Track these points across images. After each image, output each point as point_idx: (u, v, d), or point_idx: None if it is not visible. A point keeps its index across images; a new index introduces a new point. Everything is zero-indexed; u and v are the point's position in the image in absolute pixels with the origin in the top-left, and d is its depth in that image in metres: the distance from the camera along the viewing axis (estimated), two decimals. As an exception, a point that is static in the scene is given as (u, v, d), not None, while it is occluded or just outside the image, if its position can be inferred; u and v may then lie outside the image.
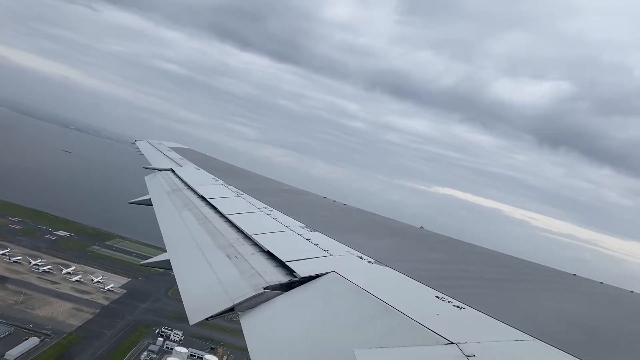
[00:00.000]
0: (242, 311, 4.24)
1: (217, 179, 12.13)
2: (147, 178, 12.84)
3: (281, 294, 4.49)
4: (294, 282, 4.67)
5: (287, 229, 6.91)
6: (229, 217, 7.63)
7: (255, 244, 6.10)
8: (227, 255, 5.80)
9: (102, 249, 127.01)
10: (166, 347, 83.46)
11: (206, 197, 9.27)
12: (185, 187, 10.92)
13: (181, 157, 16.61)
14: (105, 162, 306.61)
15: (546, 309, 4.67)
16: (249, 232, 6.61)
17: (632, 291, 6.03)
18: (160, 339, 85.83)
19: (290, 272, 4.92)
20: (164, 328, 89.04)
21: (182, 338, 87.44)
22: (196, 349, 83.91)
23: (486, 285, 5.44)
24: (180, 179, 12.08)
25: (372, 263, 5.34)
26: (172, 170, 13.36)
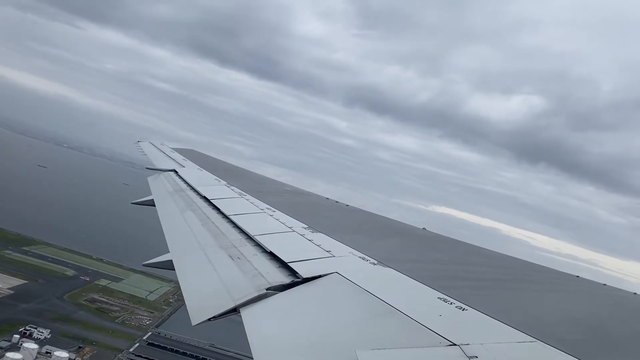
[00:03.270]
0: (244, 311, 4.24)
1: (220, 179, 12.14)
2: (150, 179, 12.86)
3: None
4: (297, 283, 4.67)
5: (290, 230, 6.91)
6: (232, 217, 7.63)
7: (258, 245, 6.10)
8: (230, 256, 5.81)
9: (15, 254, 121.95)
10: (20, 344, 79.68)
11: (209, 198, 9.28)
12: (188, 188, 10.93)
13: (184, 158, 16.64)
14: (80, 176, 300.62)
15: (549, 310, 4.65)
16: (251, 232, 6.61)
17: (635, 293, 6.01)
18: (17, 336, 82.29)
19: (292, 273, 4.92)
20: (29, 326, 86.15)
21: (49, 336, 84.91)
22: (62, 347, 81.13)
23: (489, 286, 5.43)
24: (183, 179, 12.09)
25: (374, 264, 5.33)
26: (175, 171, 13.38)
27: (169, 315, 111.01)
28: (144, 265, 7.48)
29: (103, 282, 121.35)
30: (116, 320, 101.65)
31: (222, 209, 8.29)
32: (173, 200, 10.04)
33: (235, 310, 4.26)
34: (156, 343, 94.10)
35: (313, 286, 4.61)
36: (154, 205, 10.09)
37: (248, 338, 3.65)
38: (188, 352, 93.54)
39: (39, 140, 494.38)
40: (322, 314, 4.13)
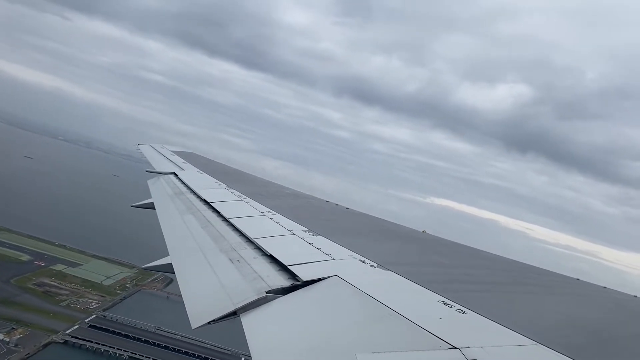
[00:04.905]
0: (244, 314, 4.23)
1: (220, 182, 12.14)
2: (150, 182, 12.86)
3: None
4: (297, 286, 4.66)
5: (290, 233, 6.91)
6: (232, 220, 7.63)
7: (258, 248, 6.10)
8: (230, 259, 5.80)
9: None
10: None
11: (209, 201, 9.27)
12: (188, 191, 10.93)
13: (184, 161, 16.64)
14: (68, 168, 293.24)
15: (550, 313, 4.65)
16: (251, 235, 6.61)
17: (635, 296, 6.01)
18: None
19: (292, 276, 4.92)
20: None
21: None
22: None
23: (489, 289, 5.42)
24: (183, 182, 12.09)
25: (374, 267, 5.33)
26: (175, 174, 13.38)
27: (121, 300, 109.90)
28: (144, 268, 7.48)
29: (59, 267, 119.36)
30: (61, 304, 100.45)
31: (222, 212, 8.28)
32: (173, 204, 10.03)
33: (235, 313, 4.25)
34: (98, 325, 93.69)
35: (313, 289, 4.60)
36: (154, 208, 10.08)
37: (248, 342, 3.65)
38: (131, 335, 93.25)
39: (32, 133, 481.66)
40: (322, 317, 4.12)
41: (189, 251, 6.65)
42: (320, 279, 4.74)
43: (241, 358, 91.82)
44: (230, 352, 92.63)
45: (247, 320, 4.09)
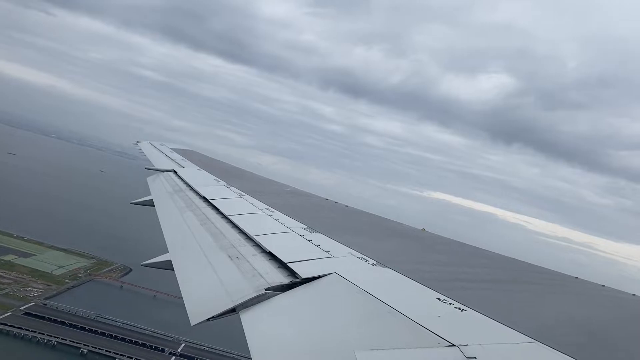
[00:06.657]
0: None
1: (219, 180, 12.14)
2: (149, 179, 12.87)
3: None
4: (296, 283, 4.67)
5: (289, 230, 6.92)
6: (231, 218, 7.63)
7: (257, 245, 6.10)
8: (229, 256, 5.80)
9: None
10: None
11: (208, 198, 9.28)
12: (187, 188, 10.93)
13: (183, 158, 16.64)
14: (54, 164, 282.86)
15: (548, 311, 4.66)
16: (250, 233, 6.61)
17: (634, 294, 6.02)
18: None
19: (291, 273, 4.92)
20: None
21: None
22: None
23: (488, 287, 5.43)
24: (182, 179, 12.10)
25: (373, 264, 5.33)
26: (174, 171, 13.38)
27: (68, 289, 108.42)
28: (142, 265, 7.47)
29: (9, 257, 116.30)
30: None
31: (221, 209, 8.29)
32: (172, 201, 10.03)
33: (234, 310, 4.26)
34: (34, 313, 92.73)
35: (312, 287, 4.61)
36: (153, 206, 10.09)
37: (247, 339, 3.65)
38: (67, 322, 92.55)
39: (24, 130, 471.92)
40: (321, 314, 4.13)
41: (188, 248, 6.66)
42: (319, 276, 4.75)
43: (181, 344, 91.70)
44: (171, 339, 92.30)
45: (246, 317, 4.09)
